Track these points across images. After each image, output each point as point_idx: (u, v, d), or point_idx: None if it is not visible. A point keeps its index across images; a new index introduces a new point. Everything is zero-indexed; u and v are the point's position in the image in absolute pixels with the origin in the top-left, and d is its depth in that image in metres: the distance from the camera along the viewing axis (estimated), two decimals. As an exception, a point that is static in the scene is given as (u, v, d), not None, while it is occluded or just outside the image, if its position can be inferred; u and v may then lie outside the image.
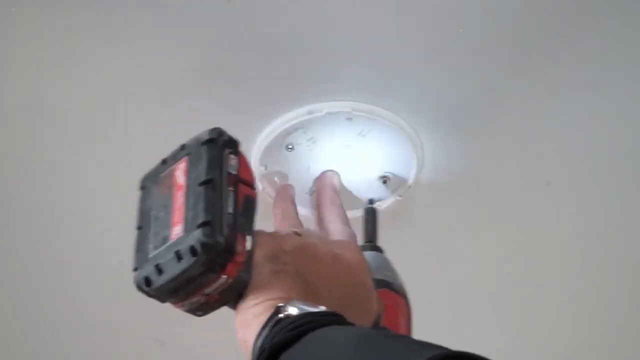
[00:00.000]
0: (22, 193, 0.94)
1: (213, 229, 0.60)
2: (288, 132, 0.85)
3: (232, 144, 0.66)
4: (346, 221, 0.80)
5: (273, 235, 0.67)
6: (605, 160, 0.93)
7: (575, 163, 0.93)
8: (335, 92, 0.83)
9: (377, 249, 0.82)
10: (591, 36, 0.81)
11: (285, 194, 0.83)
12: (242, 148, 0.67)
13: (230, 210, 0.62)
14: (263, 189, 0.90)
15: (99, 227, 0.97)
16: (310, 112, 0.84)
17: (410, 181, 0.91)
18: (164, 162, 0.67)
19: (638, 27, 0.80)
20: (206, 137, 0.65)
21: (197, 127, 0.85)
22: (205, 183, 0.62)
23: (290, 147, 0.86)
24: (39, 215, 0.96)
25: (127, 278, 1.03)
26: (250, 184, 0.66)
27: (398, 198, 0.91)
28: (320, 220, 0.81)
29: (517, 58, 0.82)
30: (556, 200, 0.97)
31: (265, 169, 0.88)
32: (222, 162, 0.64)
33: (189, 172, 0.64)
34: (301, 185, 0.89)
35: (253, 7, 0.76)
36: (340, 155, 0.88)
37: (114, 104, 0.85)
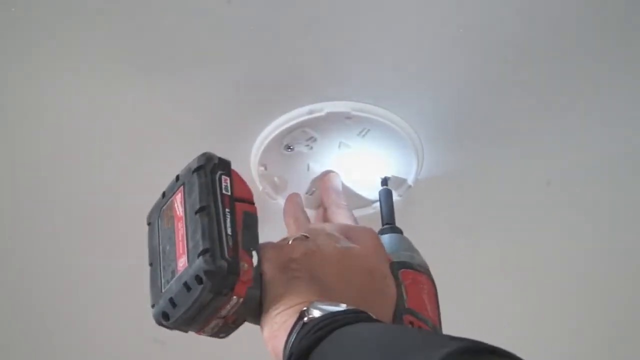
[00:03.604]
0: (22, 193, 0.94)
1: (213, 255, 0.61)
2: (288, 132, 0.85)
3: (222, 166, 0.66)
4: (355, 221, 0.81)
5: (280, 246, 0.68)
6: (606, 160, 0.93)
7: (575, 163, 0.93)
8: (335, 92, 0.83)
9: (396, 230, 0.81)
10: (594, 45, 0.81)
11: (294, 202, 0.84)
12: (236, 159, 0.68)
13: (229, 231, 0.63)
14: (263, 189, 0.90)
15: (99, 227, 0.97)
16: (310, 112, 0.84)
17: (410, 181, 0.91)
18: (163, 195, 0.69)
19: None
20: (195, 164, 0.66)
21: (196, 127, 0.85)
22: (200, 210, 0.63)
23: (289, 147, 0.86)
24: (39, 216, 0.96)
25: (127, 278, 1.04)
26: (247, 200, 0.67)
27: (398, 198, 0.90)
28: (327, 222, 0.82)
29: (517, 61, 0.82)
30: (556, 200, 0.97)
31: (265, 169, 0.88)
32: (215, 186, 0.65)
33: (185, 202, 0.65)
34: (301, 186, 0.89)
35: (253, 7, 0.76)
36: (340, 155, 0.88)
37: (113, 105, 0.85)
